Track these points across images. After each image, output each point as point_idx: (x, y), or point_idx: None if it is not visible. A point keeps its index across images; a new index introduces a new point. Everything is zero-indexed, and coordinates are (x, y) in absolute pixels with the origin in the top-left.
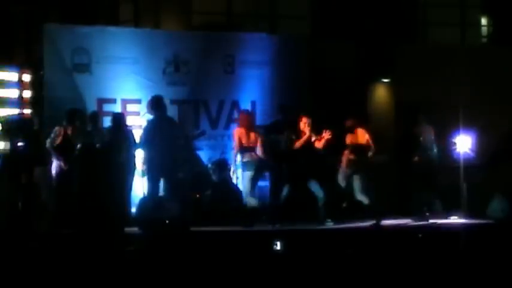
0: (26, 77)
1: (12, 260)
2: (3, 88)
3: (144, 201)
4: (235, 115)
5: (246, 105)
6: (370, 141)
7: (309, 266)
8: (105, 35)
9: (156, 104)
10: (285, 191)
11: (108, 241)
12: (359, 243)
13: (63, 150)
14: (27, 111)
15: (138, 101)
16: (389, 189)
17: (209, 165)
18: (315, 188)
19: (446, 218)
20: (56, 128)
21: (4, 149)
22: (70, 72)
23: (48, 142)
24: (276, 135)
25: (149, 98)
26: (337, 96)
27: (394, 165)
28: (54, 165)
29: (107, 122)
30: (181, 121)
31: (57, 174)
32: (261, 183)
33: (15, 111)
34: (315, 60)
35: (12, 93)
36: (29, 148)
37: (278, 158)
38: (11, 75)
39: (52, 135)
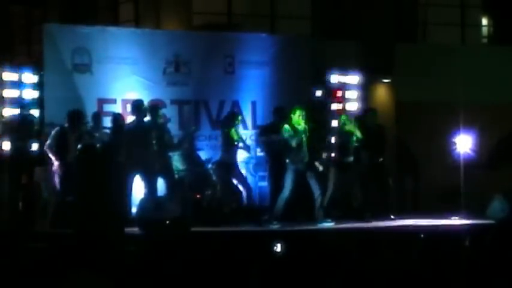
0: (26, 77)
1: (13, 259)
2: (4, 88)
3: (144, 202)
4: None
5: (246, 106)
6: None
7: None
8: (106, 35)
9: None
10: (287, 191)
11: (108, 241)
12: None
13: (61, 152)
14: (28, 111)
15: None
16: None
17: (209, 165)
18: (314, 185)
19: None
20: (56, 129)
21: (5, 149)
22: (70, 72)
23: (46, 144)
24: (270, 135)
25: (149, 98)
26: None
27: None
28: (55, 165)
29: (107, 122)
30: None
31: (58, 174)
32: (261, 183)
33: (15, 111)
34: (315, 60)
35: (13, 93)
36: (29, 148)
37: (275, 157)
38: (11, 75)
39: (51, 136)
